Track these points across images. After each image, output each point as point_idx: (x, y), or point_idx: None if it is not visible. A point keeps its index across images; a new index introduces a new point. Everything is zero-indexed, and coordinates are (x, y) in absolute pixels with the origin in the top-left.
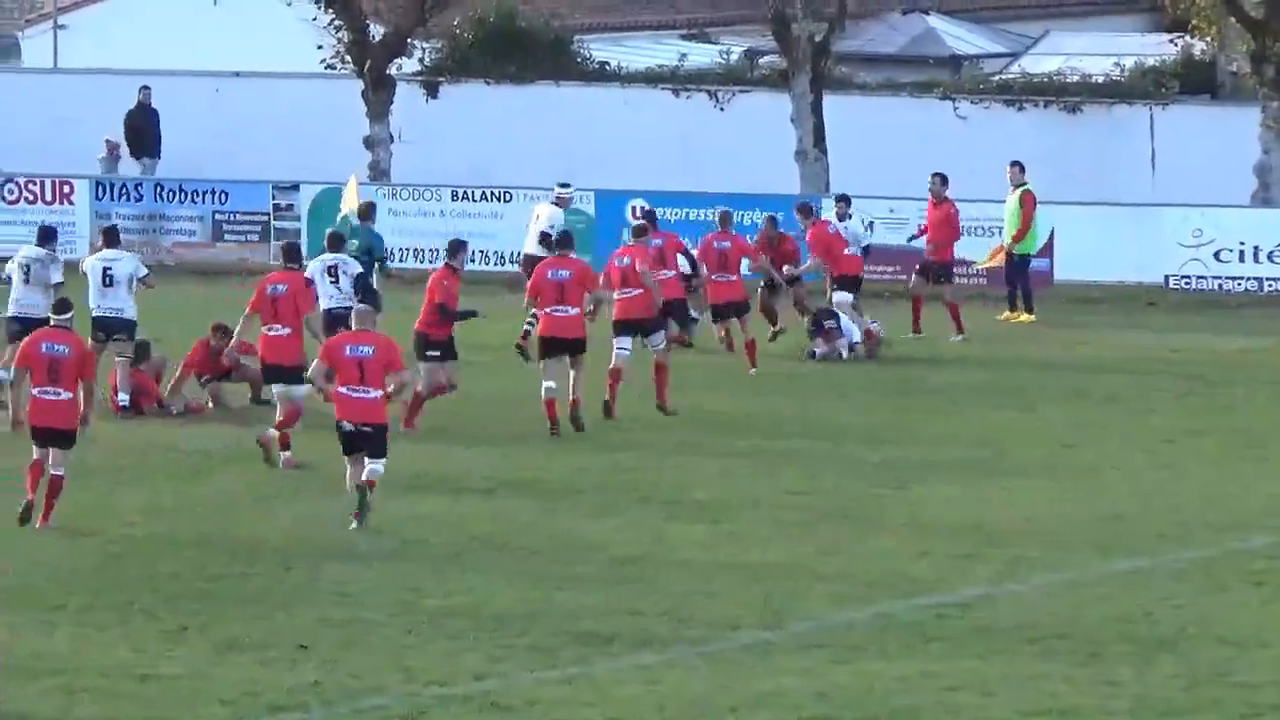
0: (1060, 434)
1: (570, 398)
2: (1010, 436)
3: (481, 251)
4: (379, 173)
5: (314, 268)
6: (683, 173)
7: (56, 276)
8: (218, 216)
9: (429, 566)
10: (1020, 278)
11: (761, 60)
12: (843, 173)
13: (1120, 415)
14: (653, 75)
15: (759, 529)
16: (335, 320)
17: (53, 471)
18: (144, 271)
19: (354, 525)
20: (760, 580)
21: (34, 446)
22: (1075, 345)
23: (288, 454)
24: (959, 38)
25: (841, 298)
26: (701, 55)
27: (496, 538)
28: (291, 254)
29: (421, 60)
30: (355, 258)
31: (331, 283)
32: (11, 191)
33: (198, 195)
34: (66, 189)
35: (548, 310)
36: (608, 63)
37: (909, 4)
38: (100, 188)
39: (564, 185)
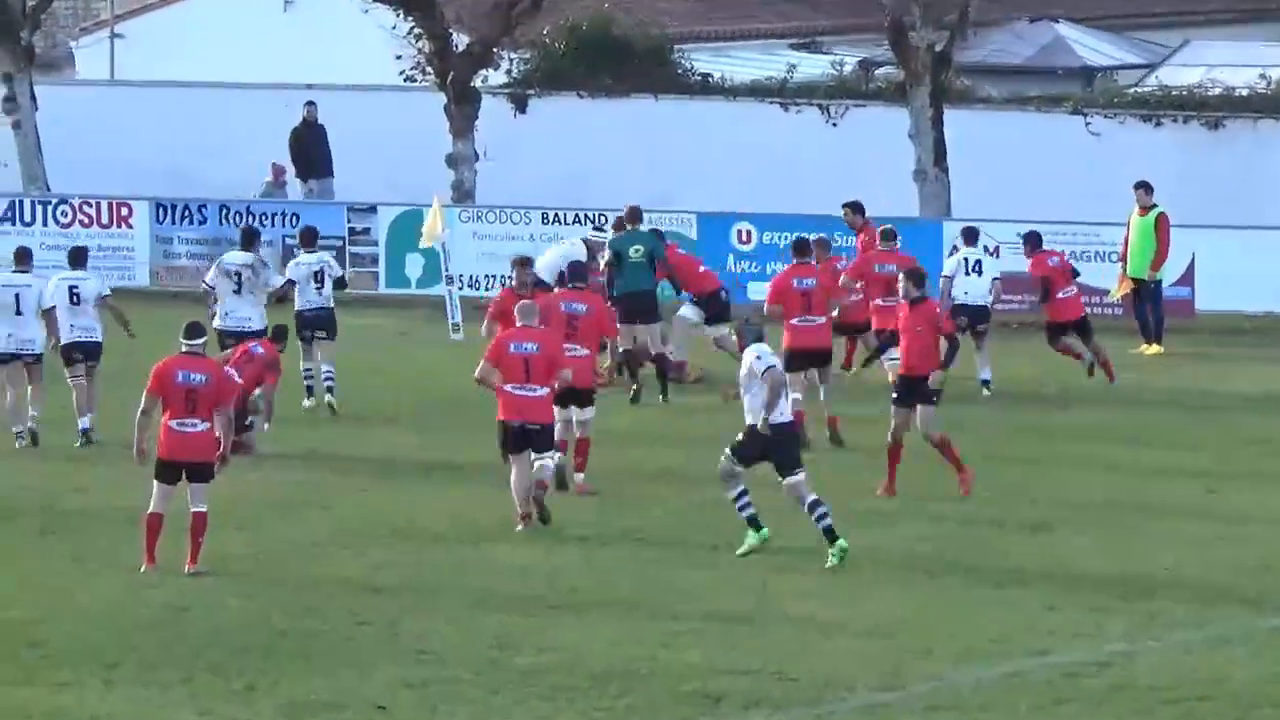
0: (1203, 478)
1: (826, 414)
2: (1149, 480)
3: None
4: (463, 193)
5: (299, 272)
6: (791, 193)
7: (276, 280)
8: (289, 241)
9: (519, 621)
10: (1156, 306)
11: (877, 71)
12: (965, 194)
13: (1269, 458)
14: (759, 88)
15: (876, 580)
16: (307, 323)
17: (194, 509)
18: (107, 291)
19: (519, 527)
20: (878, 636)
21: (154, 492)
22: (1219, 381)
23: (581, 477)
24: (1091, 47)
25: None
26: (812, 66)
27: (593, 590)
28: (578, 273)
29: (509, 72)
30: (636, 263)
31: (316, 288)
32: (65, 214)
33: (266, 218)
34: (125, 211)
35: (795, 320)
36: (711, 74)
37: (1037, 11)
38: (161, 210)
39: (599, 230)
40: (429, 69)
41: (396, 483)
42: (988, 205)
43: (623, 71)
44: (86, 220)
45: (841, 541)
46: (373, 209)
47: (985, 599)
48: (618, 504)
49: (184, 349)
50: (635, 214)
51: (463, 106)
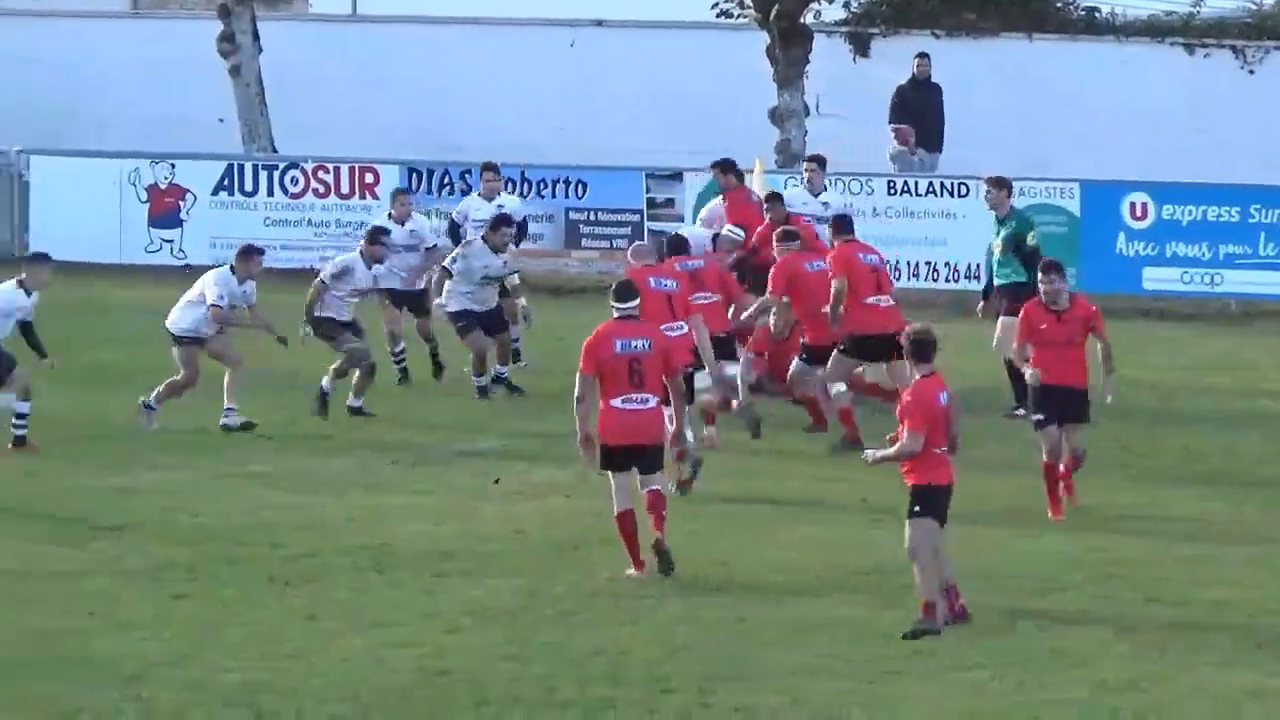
0: None
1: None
2: None
3: (928, 263)
4: (789, 156)
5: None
6: (1197, 157)
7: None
8: (573, 215)
9: (857, 690)
10: None
11: None
12: None
13: None
14: (1158, 25)
15: None
16: None
17: (649, 489)
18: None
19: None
20: None
21: (613, 487)
22: None
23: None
24: None
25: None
26: None
27: (942, 652)
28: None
29: (847, 5)
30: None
31: None
32: (295, 181)
33: (544, 187)
34: (369, 178)
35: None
36: (1098, 9)
37: None
38: (415, 176)
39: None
40: (748, 2)
41: (712, 519)
42: None
43: (988, 5)
44: (322, 189)
45: None
46: (677, 176)
47: None
48: (967, 542)
49: (617, 313)
50: (998, 186)
51: (790, 48)
